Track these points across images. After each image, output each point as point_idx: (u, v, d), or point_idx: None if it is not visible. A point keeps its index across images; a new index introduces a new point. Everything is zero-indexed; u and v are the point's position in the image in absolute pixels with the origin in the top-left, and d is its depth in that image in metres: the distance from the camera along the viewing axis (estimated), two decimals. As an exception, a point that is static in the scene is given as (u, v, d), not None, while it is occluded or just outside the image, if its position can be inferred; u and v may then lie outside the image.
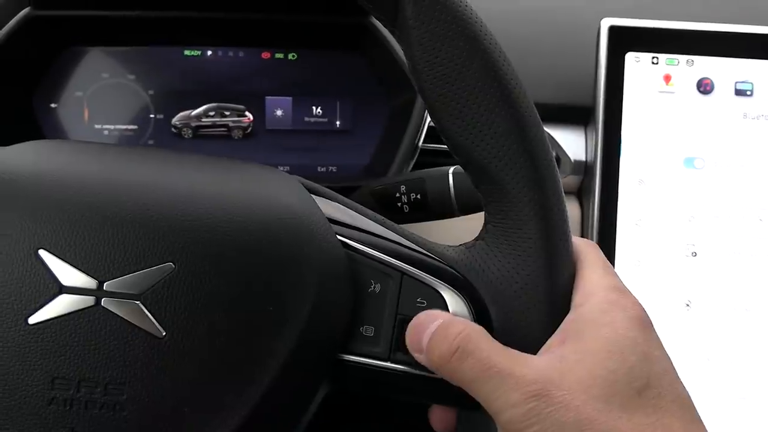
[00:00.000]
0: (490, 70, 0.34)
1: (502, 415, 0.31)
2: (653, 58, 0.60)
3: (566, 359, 0.32)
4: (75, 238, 0.32)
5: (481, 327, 0.34)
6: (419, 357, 0.34)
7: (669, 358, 0.33)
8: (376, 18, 0.37)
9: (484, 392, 0.32)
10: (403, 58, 0.62)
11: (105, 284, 0.31)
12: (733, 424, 0.59)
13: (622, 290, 0.35)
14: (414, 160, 0.63)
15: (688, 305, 0.59)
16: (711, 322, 0.59)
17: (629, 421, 0.30)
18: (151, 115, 0.66)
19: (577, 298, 0.35)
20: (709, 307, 0.59)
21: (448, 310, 0.35)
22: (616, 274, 0.36)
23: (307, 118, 0.67)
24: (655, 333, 0.33)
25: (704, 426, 0.32)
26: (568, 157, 0.64)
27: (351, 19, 0.64)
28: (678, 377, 0.33)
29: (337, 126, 0.68)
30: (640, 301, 0.34)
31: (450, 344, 0.33)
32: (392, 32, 0.36)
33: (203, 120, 0.66)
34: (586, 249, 0.37)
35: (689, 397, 0.32)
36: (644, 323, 0.33)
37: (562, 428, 0.30)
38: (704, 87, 0.60)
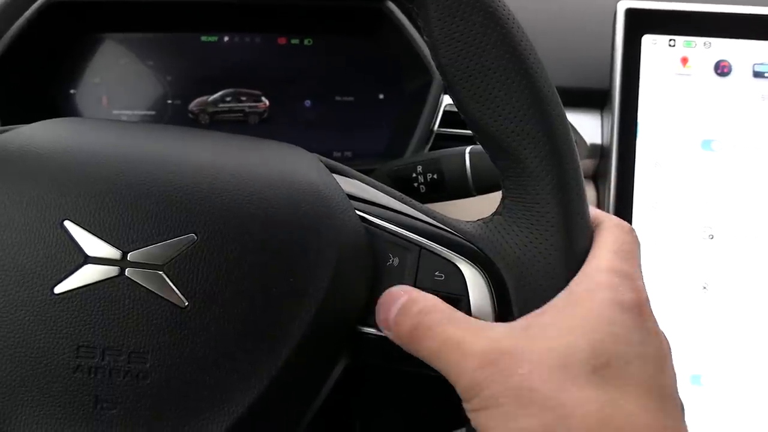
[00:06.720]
0: (508, 44, 0.34)
1: (458, 385, 0.31)
2: (670, 40, 0.60)
3: (531, 330, 0.32)
4: (99, 209, 0.32)
5: (442, 301, 0.34)
6: (388, 334, 0.34)
7: (660, 347, 0.32)
8: (393, -5, 0.37)
9: (443, 364, 0.32)
10: (419, 42, 0.63)
11: (129, 255, 0.32)
12: (751, 406, 0.59)
13: (625, 275, 0.33)
14: (429, 145, 0.63)
15: (705, 288, 0.59)
16: (728, 305, 0.59)
17: (573, 393, 0.29)
18: (169, 101, 0.67)
19: (576, 277, 0.34)
20: (726, 290, 0.59)
21: (466, 283, 0.35)
22: (628, 259, 0.34)
23: (322, 104, 0.68)
24: (645, 320, 0.32)
25: (677, 424, 0.31)
26: (584, 141, 0.64)
27: (366, 4, 0.64)
28: (664, 369, 0.31)
29: (353, 111, 0.68)
30: (645, 288, 0.33)
31: (411, 321, 0.33)
32: (410, 9, 0.36)
33: (220, 106, 0.67)
34: (608, 229, 0.36)
35: (672, 392, 0.31)
36: (631, 307, 0.32)
37: (505, 395, 0.30)
38: (722, 69, 0.60)
